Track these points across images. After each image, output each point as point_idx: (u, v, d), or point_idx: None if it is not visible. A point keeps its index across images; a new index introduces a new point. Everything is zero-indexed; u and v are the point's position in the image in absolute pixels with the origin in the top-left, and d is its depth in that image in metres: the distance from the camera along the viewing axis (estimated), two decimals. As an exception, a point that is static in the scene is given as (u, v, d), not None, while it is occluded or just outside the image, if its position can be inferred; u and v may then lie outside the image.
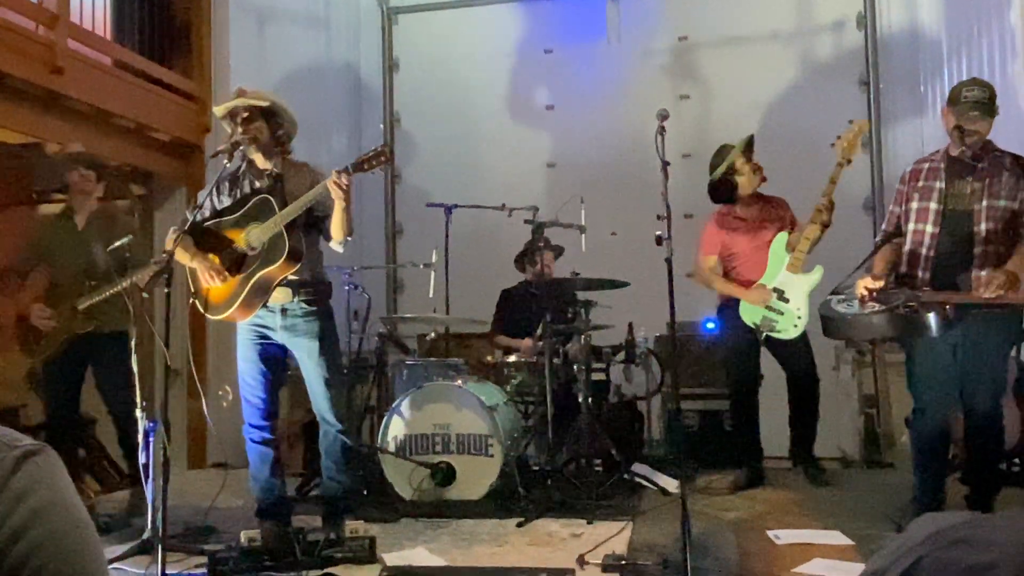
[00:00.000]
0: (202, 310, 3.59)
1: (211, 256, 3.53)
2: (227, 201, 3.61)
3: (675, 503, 3.55)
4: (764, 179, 4.64)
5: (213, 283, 3.50)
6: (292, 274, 3.49)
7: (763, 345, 4.56)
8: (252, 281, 3.46)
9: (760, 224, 4.61)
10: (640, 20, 6.58)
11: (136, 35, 5.74)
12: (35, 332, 4.13)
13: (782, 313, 4.42)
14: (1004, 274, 3.27)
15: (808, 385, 4.66)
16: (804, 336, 4.49)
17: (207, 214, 3.59)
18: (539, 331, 4.88)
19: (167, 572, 2.90)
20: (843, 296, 3.71)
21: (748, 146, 4.67)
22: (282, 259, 3.40)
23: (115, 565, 3.23)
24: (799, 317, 4.39)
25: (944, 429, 3.62)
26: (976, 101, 3.46)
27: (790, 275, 4.42)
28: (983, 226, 3.44)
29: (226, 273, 3.50)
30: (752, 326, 4.48)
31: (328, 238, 3.60)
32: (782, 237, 4.49)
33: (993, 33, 5.65)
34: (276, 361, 3.68)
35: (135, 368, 3.59)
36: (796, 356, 4.57)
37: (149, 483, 3.39)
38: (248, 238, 3.50)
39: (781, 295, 4.42)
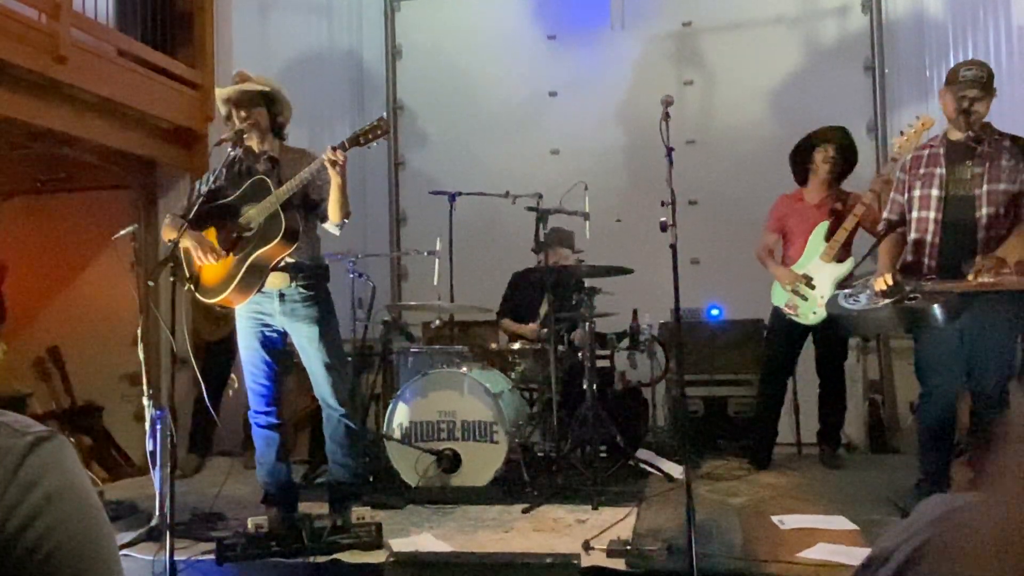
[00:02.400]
0: (196, 294, 3.57)
1: (206, 234, 3.52)
2: (224, 185, 3.60)
3: (680, 489, 3.57)
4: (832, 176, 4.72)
5: (206, 260, 3.46)
6: (289, 256, 3.47)
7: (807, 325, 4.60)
8: (248, 262, 3.42)
9: (818, 210, 4.66)
10: (644, 6, 6.53)
11: (139, 24, 5.74)
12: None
13: (805, 299, 4.49)
14: (992, 260, 3.27)
15: (832, 374, 4.76)
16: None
17: (204, 199, 3.57)
18: (542, 315, 4.89)
19: (175, 559, 2.92)
20: (849, 291, 3.72)
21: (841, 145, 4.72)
22: (278, 238, 3.37)
23: (123, 552, 3.25)
24: (820, 307, 4.44)
25: (950, 414, 3.62)
26: (974, 79, 3.45)
27: (822, 263, 4.47)
28: (984, 211, 3.44)
29: (220, 251, 3.48)
30: (778, 307, 4.60)
31: (324, 220, 3.58)
32: (823, 226, 4.55)
33: (999, 17, 5.62)
34: (278, 347, 3.67)
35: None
36: (828, 342, 4.67)
37: (157, 471, 3.41)
38: (244, 219, 3.49)
39: (809, 281, 4.49)
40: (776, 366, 4.77)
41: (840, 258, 4.47)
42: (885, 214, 3.85)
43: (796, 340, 4.70)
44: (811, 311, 4.49)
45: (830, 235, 4.48)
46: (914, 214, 3.62)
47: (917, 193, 3.61)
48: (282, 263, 3.49)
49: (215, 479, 4.20)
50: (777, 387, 4.78)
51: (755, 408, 5.00)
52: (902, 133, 4.16)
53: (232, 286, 3.45)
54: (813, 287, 4.49)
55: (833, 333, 4.51)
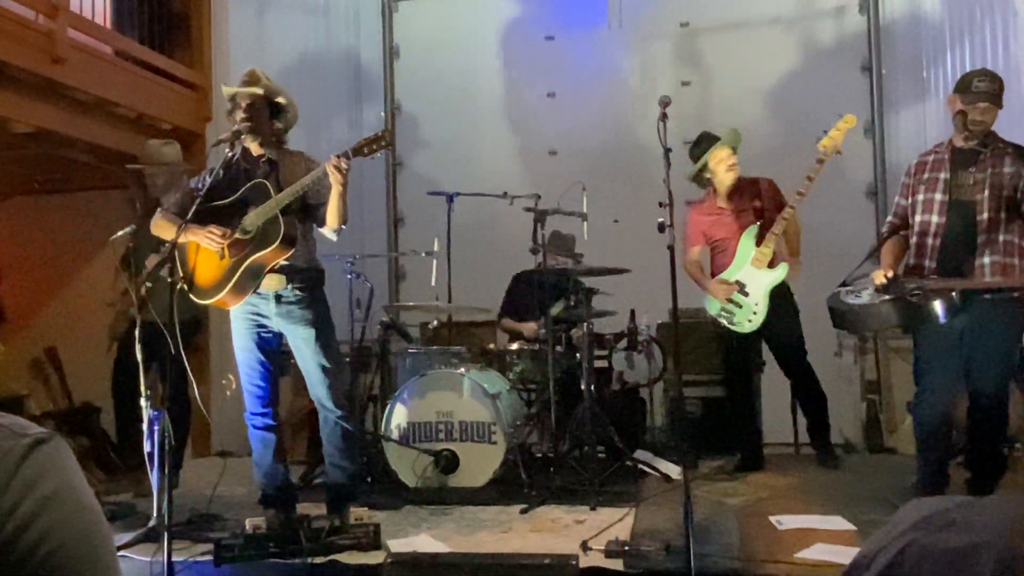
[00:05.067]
0: (191, 294, 3.57)
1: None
2: (221, 186, 3.59)
3: (678, 489, 3.58)
4: (736, 176, 4.64)
5: (215, 244, 3.47)
6: (285, 260, 3.49)
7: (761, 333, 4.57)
8: (244, 265, 3.44)
9: (739, 212, 4.60)
10: (641, 6, 6.54)
11: (136, 24, 5.74)
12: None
13: (740, 307, 4.45)
14: None
15: (797, 372, 4.68)
16: (791, 323, 4.51)
17: (202, 199, 3.55)
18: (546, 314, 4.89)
19: (173, 559, 2.91)
20: (852, 287, 3.73)
21: (729, 145, 4.65)
22: (276, 244, 3.39)
23: (121, 553, 3.25)
24: (755, 313, 4.42)
25: (946, 413, 3.64)
26: (987, 92, 3.49)
27: (754, 270, 4.43)
28: (985, 215, 3.51)
29: (227, 231, 3.48)
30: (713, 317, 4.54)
31: (322, 225, 3.58)
32: (751, 231, 4.49)
33: (996, 17, 5.63)
34: (273, 348, 3.68)
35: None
36: (781, 344, 4.62)
37: (154, 471, 3.41)
38: (242, 222, 3.49)
39: (742, 289, 4.44)
40: (734, 372, 4.74)
41: (771, 264, 4.42)
42: (889, 217, 3.92)
43: (748, 341, 4.61)
44: (746, 319, 4.44)
45: (760, 238, 4.44)
46: (917, 217, 3.68)
47: (921, 197, 3.67)
48: (277, 266, 3.49)
49: (212, 480, 4.19)
50: (747, 388, 4.75)
51: (733, 415, 4.92)
52: (825, 132, 4.23)
53: (227, 288, 3.46)
54: (747, 294, 4.43)
55: (782, 331, 4.50)
